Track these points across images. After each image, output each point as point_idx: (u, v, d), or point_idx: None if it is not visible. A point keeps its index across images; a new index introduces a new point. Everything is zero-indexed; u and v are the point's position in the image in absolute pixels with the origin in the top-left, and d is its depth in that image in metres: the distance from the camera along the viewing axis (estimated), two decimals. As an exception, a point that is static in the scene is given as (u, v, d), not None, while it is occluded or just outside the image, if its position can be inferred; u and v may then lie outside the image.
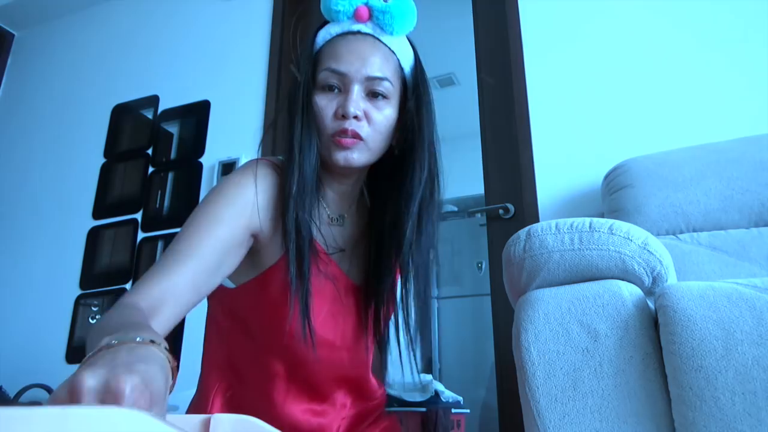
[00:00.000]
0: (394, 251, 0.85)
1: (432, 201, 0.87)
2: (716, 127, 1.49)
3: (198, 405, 0.91)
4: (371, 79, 0.80)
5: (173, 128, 2.34)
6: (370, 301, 0.89)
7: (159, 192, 2.23)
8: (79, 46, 2.73)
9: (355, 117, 0.79)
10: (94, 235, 2.29)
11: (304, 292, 0.78)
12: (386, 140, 0.84)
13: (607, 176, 1.40)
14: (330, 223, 0.89)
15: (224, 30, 2.37)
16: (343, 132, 0.79)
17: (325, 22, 0.86)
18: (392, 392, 2.46)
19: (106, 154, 2.42)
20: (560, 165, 1.64)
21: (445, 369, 3.34)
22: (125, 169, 2.36)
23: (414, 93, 0.85)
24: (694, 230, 1.24)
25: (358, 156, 0.81)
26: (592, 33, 1.73)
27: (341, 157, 0.80)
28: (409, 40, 0.88)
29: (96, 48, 2.67)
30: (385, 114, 0.82)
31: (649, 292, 0.80)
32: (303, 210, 0.78)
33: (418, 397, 2.43)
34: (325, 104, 0.80)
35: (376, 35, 0.83)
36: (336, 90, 0.81)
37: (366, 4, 0.81)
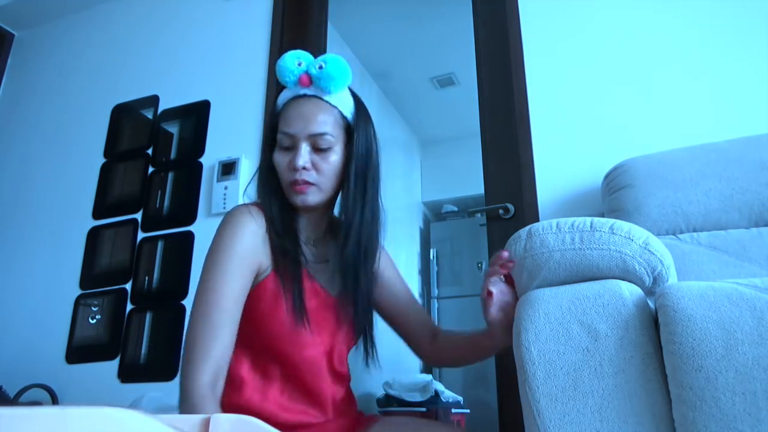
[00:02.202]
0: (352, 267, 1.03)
1: (374, 222, 1.05)
2: (716, 127, 1.49)
3: None
4: (314, 136, 0.99)
5: (173, 128, 2.34)
6: (348, 311, 1.04)
7: (159, 192, 2.23)
8: (79, 46, 2.73)
9: (304, 168, 0.98)
10: (94, 235, 2.29)
11: (298, 291, 0.96)
12: (336, 179, 1.02)
13: (607, 176, 1.40)
14: (307, 243, 1.07)
15: (224, 30, 2.37)
16: (295, 182, 0.98)
17: (283, 87, 1.05)
18: (392, 392, 2.46)
19: (106, 154, 2.42)
20: (560, 165, 1.64)
21: (446, 369, 3.34)
22: (125, 169, 2.36)
23: (356, 131, 1.03)
24: (694, 230, 1.23)
25: (312, 197, 1.00)
26: (592, 33, 1.73)
27: (299, 200, 1.00)
28: (350, 90, 1.06)
29: (96, 48, 2.67)
30: (330, 161, 1.00)
31: (649, 291, 0.80)
32: (285, 238, 0.99)
33: (418, 397, 2.43)
34: (281, 160, 1.00)
35: (318, 95, 1.01)
36: (289, 148, 1.00)
37: (306, 72, 1.00)
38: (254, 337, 0.97)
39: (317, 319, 1.00)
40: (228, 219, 0.98)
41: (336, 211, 1.11)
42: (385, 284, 1.14)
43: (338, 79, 0.99)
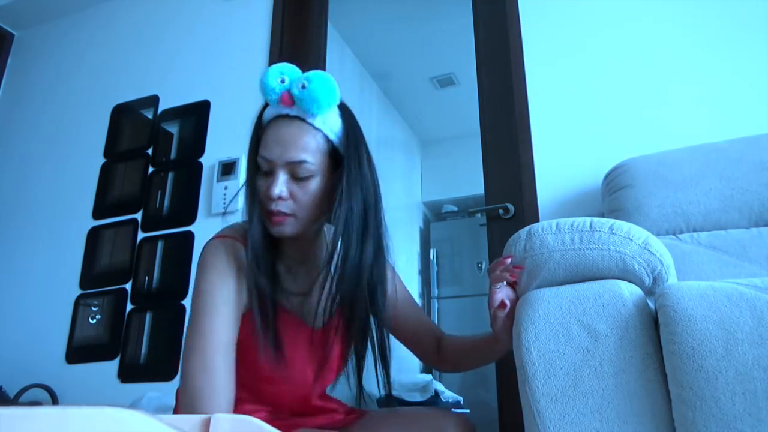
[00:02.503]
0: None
1: (379, 256, 0.97)
2: (716, 127, 1.48)
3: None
4: (292, 164, 0.90)
5: (173, 128, 2.34)
6: (332, 338, 0.98)
7: (159, 192, 2.23)
8: (79, 46, 2.73)
9: (280, 198, 0.90)
10: (94, 235, 2.29)
11: (273, 339, 0.90)
12: (317, 208, 0.94)
13: (607, 176, 1.40)
14: (291, 269, 1.00)
15: (224, 30, 2.37)
16: (271, 212, 0.91)
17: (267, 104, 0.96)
18: (392, 392, 2.46)
19: (106, 154, 2.42)
20: (560, 165, 1.64)
21: (445, 369, 3.33)
22: (125, 169, 2.36)
23: (347, 158, 0.94)
24: (694, 230, 1.23)
25: (290, 229, 0.93)
26: (592, 33, 1.73)
27: (275, 231, 0.93)
28: (340, 108, 0.96)
29: (96, 48, 2.67)
30: (309, 189, 0.92)
31: (649, 291, 0.80)
32: (260, 275, 0.90)
33: (418, 397, 2.43)
34: (261, 184, 0.93)
35: (301, 116, 0.92)
36: (268, 173, 0.92)
37: (288, 91, 0.91)
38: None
39: (297, 356, 0.96)
40: (207, 259, 0.92)
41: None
42: (391, 302, 1.07)
43: (322, 100, 0.89)
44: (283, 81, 0.91)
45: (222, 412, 0.80)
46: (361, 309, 0.96)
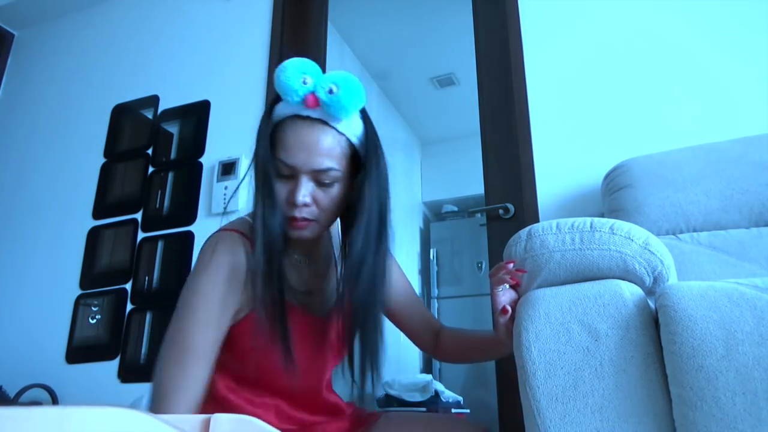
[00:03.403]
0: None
1: (386, 254, 0.96)
2: (716, 127, 1.49)
3: None
4: (317, 172, 0.87)
5: (173, 128, 2.34)
6: (332, 329, 0.98)
7: (159, 192, 2.23)
8: (79, 46, 2.73)
9: (304, 204, 0.87)
10: (94, 235, 2.29)
11: (283, 336, 0.86)
12: (337, 210, 0.93)
13: (607, 176, 1.40)
14: (298, 264, 0.99)
15: (224, 30, 2.37)
16: (294, 218, 0.88)
17: (279, 97, 0.90)
18: (392, 392, 2.46)
19: (106, 154, 2.42)
20: (560, 165, 1.64)
21: (445, 369, 3.34)
22: (125, 169, 2.36)
23: (368, 163, 0.92)
24: (694, 230, 1.23)
25: (311, 233, 0.91)
26: (592, 33, 1.73)
27: (295, 234, 0.90)
28: (359, 112, 0.92)
29: (96, 48, 2.67)
30: (332, 195, 0.90)
31: (650, 291, 0.80)
32: (272, 283, 0.86)
33: (418, 397, 2.43)
34: (280, 189, 0.89)
35: (324, 119, 0.87)
36: (288, 177, 0.89)
37: (313, 93, 0.85)
38: (239, 366, 0.93)
39: (305, 348, 0.95)
40: (208, 254, 0.88)
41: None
42: (391, 290, 1.05)
43: (351, 107, 0.85)
44: (305, 82, 0.86)
45: (187, 410, 0.80)
46: (366, 296, 0.94)
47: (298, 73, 0.86)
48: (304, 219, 0.88)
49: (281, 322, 0.87)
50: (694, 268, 1.15)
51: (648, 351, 0.72)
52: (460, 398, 2.63)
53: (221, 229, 0.93)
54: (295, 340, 0.90)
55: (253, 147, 0.92)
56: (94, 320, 2.15)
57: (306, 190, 0.87)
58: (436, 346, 1.12)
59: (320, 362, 0.99)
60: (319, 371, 1.00)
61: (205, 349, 0.86)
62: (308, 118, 0.87)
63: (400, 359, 2.97)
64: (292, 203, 0.87)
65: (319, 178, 0.88)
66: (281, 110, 0.90)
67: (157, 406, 0.82)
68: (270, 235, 0.87)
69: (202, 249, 0.92)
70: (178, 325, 0.87)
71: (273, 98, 0.93)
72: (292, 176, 0.88)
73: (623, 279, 0.79)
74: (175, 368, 0.84)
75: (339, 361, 1.03)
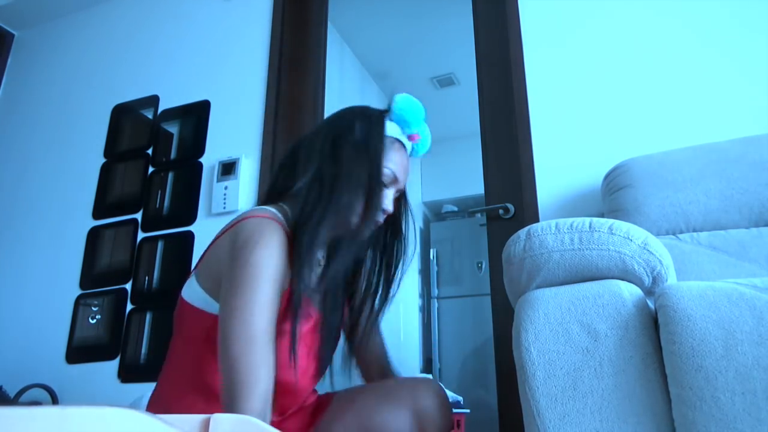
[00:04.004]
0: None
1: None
2: (716, 127, 1.49)
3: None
4: (401, 190, 1.08)
5: (173, 128, 2.34)
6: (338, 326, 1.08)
7: (159, 192, 2.23)
8: (79, 46, 2.73)
9: (388, 212, 1.03)
10: (94, 235, 2.29)
11: (294, 339, 0.89)
12: None
13: (607, 176, 1.40)
14: (318, 263, 1.03)
15: (224, 30, 2.37)
16: (377, 222, 1.02)
17: (387, 112, 1.07)
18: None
19: (106, 154, 2.42)
20: (560, 165, 1.64)
21: (445, 369, 3.34)
22: (125, 169, 2.36)
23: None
24: (694, 230, 1.23)
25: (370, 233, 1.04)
26: (592, 33, 1.73)
27: (367, 233, 1.02)
28: None
29: (96, 48, 2.67)
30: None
31: (649, 292, 0.80)
32: (310, 273, 0.93)
33: (418, 397, 2.43)
34: (385, 195, 1.02)
35: (407, 153, 1.08)
36: (386, 185, 1.03)
37: (418, 134, 1.08)
38: None
39: (307, 342, 0.99)
40: (261, 236, 0.87)
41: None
42: None
43: (424, 153, 1.11)
44: (419, 122, 1.08)
45: (264, 394, 0.78)
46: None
47: (422, 114, 1.07)
48: (379, 223, 1.03)
49: (299, 310, 0.89)
50: (693, 268, 1.15)
51: (647, 351, 0.72)
52: (460, 398, 2.62)
53: (260, 215, 0.92)
54: (301, 338, 0.93)
55: (365, 143, 1.00)
56: (94, 320, 2.15)
57: (392, 202, 1.04)
58: (361, 363, 1.18)
59: (314, 360, 1.02)
60: (312, 374, 1.03)
61: (270, 332, 0.83)
62: (404, 146, 1.06)
63: (400, 359, 2.97)
64: (385, 210, 1.02)
65: (396, 195, 1.06)
66: (390, 129, 1.06)
67: (235, 404, 0.77)
68: (365, 233, 1.01)
69: (248, 229, 0.89)
70: (241, 309, 0.82)
71: (382, 111, 1.07)
72: (385, 186, 1.02)
73: (622, 279, 0.79)
74: (245, 362, 0.79)
75: (324, 372, 1.07)
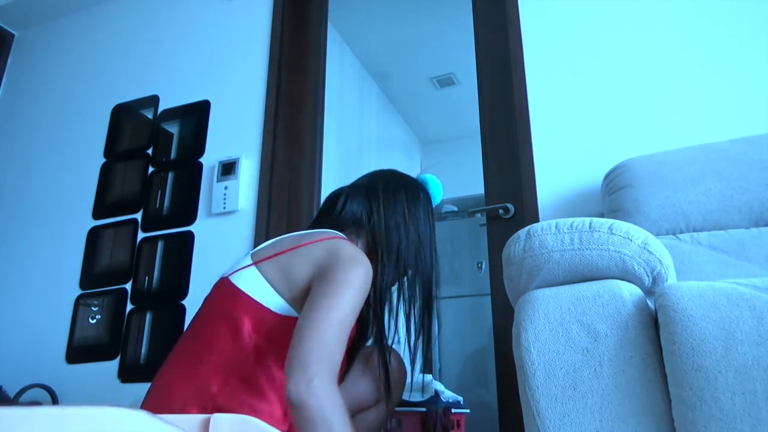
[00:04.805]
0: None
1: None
2: (716, 127, 1.49)
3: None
4: None
5: (173, 128, 2.34)
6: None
7: (159, 192, 2.23)
8: (80, 46, 2.73)
9: None
10: (94, 235, 2.29)
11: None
12: None
13: (607, 176, 1.40)
14: None
15: (224, 30, 2.37)
16: None
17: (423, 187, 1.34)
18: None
19: (106, 154, 2.42)
20: (560, 165, 1.64)
21: (445, 369, 3.33)
22: (125, 169, 2.36)
23: None
24: (694, 230, 1.23)
25: None
26: (592, 33, 1.73)
27: None
28: None
29: (96, 48, 2.68)
30: None
31: (649, 292, 0.80)
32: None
33: (418, 397, 2.43)
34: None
35: None
36: None
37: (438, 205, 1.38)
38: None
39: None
40: (366, 263, 1.03)
41: None
42: None
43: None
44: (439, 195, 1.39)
45: (336, 380, 0.90)
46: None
47: (441, 191, 1.37)
48: None
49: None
50: (693, 268, 1.15)
51: (647, 351, 0.72)
52: (460, 398, 2.62)
53: (351, 244, 1.08)
54: None
55: (431, 215, 1.33)
56: (94, 320, 2.15)
57: None
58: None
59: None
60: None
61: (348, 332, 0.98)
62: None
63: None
64: None
65: None
66: (429, 200, 1.34)
67: (319, 375, 0.88)
68: (422, 274, 1.31)
69: (346, 249, 1.03)
70: (343, 306, 0.95)
71: (420, 186, 1.32)
72: None
73: (622, 279, 0.79)
74: (338, 348, 0.93)
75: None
